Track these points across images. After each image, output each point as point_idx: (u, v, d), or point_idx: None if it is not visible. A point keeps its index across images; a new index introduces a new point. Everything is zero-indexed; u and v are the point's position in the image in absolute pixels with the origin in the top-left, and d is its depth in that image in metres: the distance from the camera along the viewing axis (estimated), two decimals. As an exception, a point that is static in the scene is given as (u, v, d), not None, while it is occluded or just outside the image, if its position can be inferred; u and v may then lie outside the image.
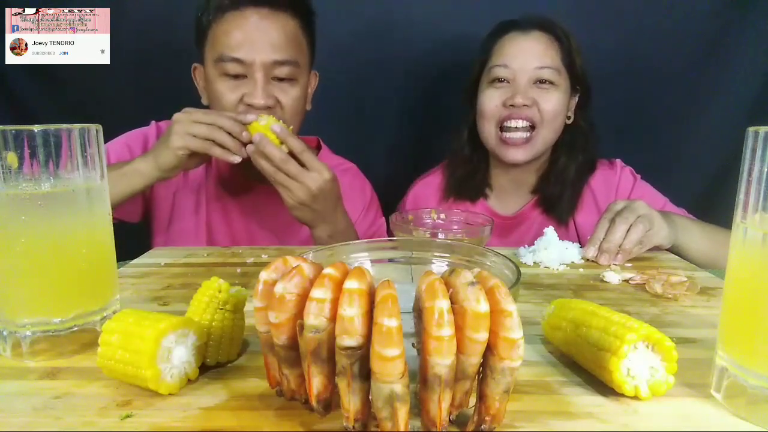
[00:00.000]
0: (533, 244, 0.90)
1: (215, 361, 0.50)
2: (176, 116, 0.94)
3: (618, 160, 1.23)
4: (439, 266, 0.61)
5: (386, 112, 1.49)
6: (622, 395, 0.45)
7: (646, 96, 1.43)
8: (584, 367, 0.49)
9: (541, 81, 1.10)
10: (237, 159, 0.94)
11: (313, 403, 0.39)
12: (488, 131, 1.14)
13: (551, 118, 1.11)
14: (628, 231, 0.85)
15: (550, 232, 0.90)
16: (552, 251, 0.87)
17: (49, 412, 0.43)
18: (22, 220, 0.51)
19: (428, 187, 1.27)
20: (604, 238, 0.87)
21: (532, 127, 1.11)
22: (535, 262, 0.87)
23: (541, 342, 0.57)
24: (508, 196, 1.25)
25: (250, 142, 0.93)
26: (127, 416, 0.43)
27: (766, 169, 0.41)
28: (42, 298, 0.53)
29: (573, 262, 0.87)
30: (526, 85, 1.10)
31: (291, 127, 0.98)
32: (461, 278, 0.37)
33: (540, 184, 1.21)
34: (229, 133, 0.93)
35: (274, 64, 1.00)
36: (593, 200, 1.20)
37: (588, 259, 0.88)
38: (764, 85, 1.39)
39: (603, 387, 0.47)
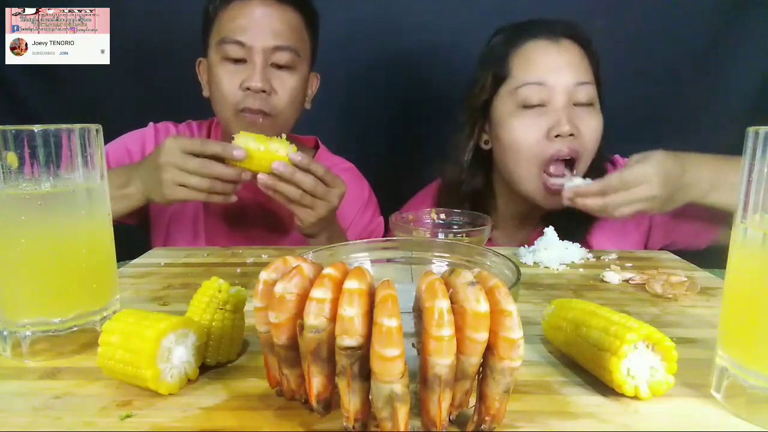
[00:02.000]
0: (533, 244, 0.90)
1: (215, 361, 0.50)
2: (164, 159, 0.87)
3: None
4: (439, 266, 0.61)
5: (385, 112, 1.50)
6: (622, 395, 0.45)
7: (645, 96, 1.43)
8: (584, 367, 0.49)
9: (580, 103, 0.92)
10: (234, 199, 0.94)
11: (313, 403, 0.39)
12: (527, 175, 0.93)
13: (593, 147, 0.93)
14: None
15: (550, 232, 0.90)
16: (552, 251, 0.87)
17: (49, 412, 0.43)
18: (22, 220, 0.51)
19: (424, 204, 1.19)
20: (596, 192, 0.84)
21: (571, 162, 0.92)
22: (535, 262, 0.87)
23: (541, 342, 0.57)
24: (514, 229, 1.11)
25: (251, 172, 0.90)
26: (127, 416, 0.43)
27: (766, 169, 0.41)
28: (42, 298, 0.53)
29: (573, 262, 0.87)
30: (566, 108, 0.91)
31: (285, 135, 0.95)
32: (461, 278, 0.37)
33: (551, 213, 1.03)
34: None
35: (274, 49, 1.02)
36: None
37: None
38: (764, 85, 1.39)
39: (603, 387, 0.47)
